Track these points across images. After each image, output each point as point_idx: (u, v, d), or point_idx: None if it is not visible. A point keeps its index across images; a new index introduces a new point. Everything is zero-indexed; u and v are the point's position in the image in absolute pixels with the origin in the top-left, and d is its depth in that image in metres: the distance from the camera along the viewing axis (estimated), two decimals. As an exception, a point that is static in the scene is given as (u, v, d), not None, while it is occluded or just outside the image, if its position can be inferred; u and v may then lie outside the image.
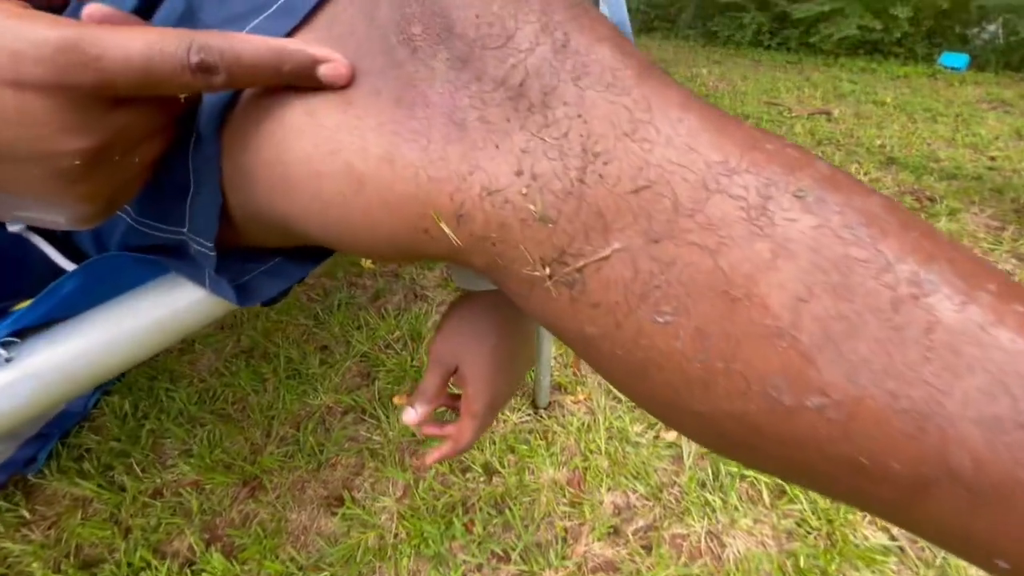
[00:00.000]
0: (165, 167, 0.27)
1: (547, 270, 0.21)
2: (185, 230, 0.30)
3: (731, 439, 0.21)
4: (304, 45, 0.23)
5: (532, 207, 0.21)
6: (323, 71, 0.23)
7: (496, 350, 0.45)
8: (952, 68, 3.50)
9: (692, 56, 4.25)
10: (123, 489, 0.90)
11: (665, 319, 0.20)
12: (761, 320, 0.18)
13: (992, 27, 3.67)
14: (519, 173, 0.21)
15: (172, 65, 0.21)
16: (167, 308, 0.31)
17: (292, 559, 0.81)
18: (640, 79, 0.21)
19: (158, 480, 0.92)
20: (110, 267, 0.30)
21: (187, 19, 0.28)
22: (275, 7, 0.26)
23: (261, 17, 0.26)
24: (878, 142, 2.31)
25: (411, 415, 0.47)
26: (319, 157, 0.24)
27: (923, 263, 0.18)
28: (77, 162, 0.21)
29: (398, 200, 0.23)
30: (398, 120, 0.22)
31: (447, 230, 0.22)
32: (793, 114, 2.69)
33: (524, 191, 0.21)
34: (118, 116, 0.22)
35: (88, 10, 0.22)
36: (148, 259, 0.31)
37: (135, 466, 0.94)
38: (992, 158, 2.13)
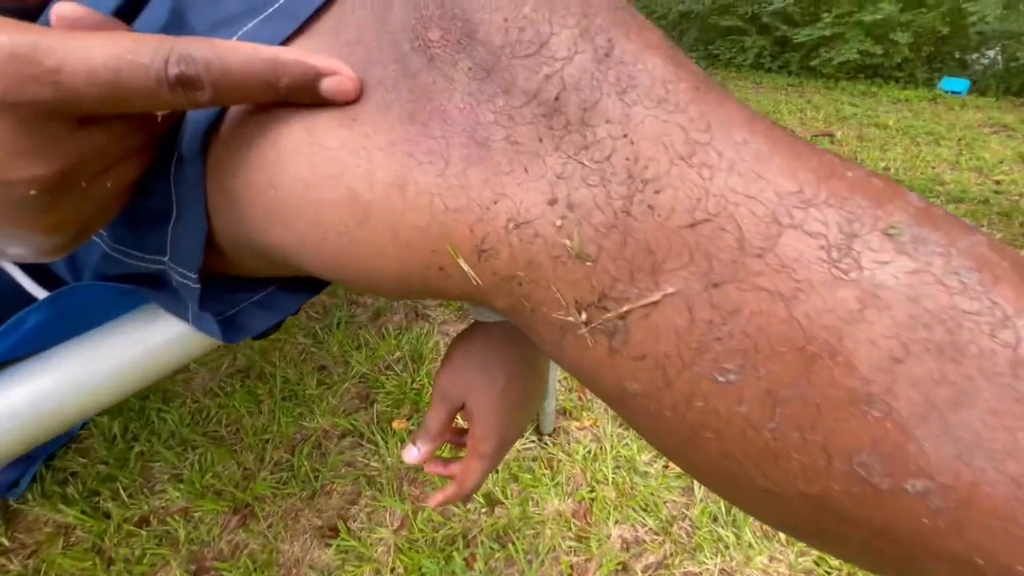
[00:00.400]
0: (143, 191, 0.24)
1: (583, 315, 0.18)
2: (166, 259, 0.27)
3: (805, 523, 0.17)
4: (304, 54, 0.20)
5: (567, 242, 0.18)
6: (326, 86, 0.20)
7: (507, 388, 0.42)
8: (953, 92, 3.52)
9: (694, 77, 4.27)
10: (108, 516, 0.87)
11: (727, 378, 0.17)
12: (846, 383, 0.15)
13: (991, 53, 3.70)
14: (552, 202, 0.18)
15: (146, 79, 0.18)
16: (144, 345, 0.28)
17: (282, 595, 0.77)
18: (697, 94, 0.18)
19: (145, 507, 0.89)
20: (82, 298, 0.27)
21: (174, 24, 0.25)
22: (273, 8, 0.23)
23: (255, 20, 0.23)
24: (882, 164, 2.31)
25: (413, 454, 0.44)
26: (317, 182, 0.20)
27: None
28: (33, 192, 0.18)
29: (409, 232, 0.20)
30: (411, 139, 0.19)
31: (466, 267, 0.19)
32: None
33: (558, 223, 0.18)
34: (82, 138, 0.19)
35: (58, 10, 0.19)
36: (125, 289, 0.28)
37: (121, 492, 0.90)
38: (997, 181, 2.13)
